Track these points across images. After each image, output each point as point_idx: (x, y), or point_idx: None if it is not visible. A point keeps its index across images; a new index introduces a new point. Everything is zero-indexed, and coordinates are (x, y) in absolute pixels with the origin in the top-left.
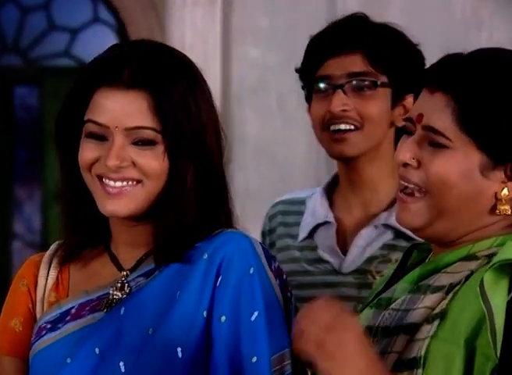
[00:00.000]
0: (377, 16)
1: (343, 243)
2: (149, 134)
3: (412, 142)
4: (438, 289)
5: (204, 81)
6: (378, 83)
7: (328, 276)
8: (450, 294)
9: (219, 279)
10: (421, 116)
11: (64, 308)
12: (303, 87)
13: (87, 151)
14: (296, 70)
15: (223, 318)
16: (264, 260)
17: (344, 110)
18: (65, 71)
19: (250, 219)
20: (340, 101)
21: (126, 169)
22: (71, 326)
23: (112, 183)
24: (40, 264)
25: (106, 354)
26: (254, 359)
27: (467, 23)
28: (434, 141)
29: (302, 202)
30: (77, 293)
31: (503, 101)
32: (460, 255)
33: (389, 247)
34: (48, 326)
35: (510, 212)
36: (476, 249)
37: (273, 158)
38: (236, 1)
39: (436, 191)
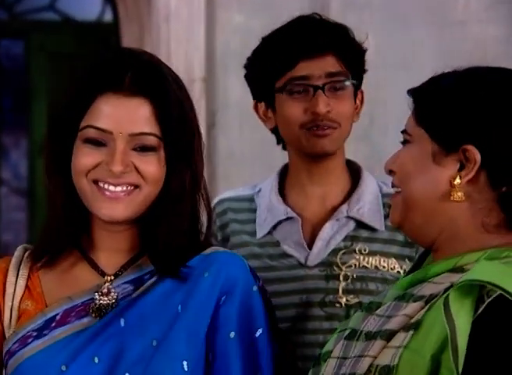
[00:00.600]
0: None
1: (306, 237)
2: (151, 140)
3: (396, 153)
4: (419, 298)
5: (189, 94)
6: (350, 82)
7: (294, 271)
8: (428, 305)
9: (223, 298)
10: (408, 134)
11: (49, 316)
12: (254, 86)
13: (86, 157)
14: (251, 68)
15: (232, 334)
16: (256, 276)
17: (328, 111)
18: (50, 25)
19: (232, 181)
20: (325, 103)
21: (127, 175)
22: (58, 333)
23: (111, 187)
24: (6, 271)
25: (108, 364)
26: (259, 373)
27: None
28: (403, 140)
29: (250, 199)
30: (59, 299)
31: (449, 95)
32: (448, 266)
33: (351, 238)
34: (34, 334)
35: (463, 198)
36: (464, 262)
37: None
38: None
39: (402, 184)
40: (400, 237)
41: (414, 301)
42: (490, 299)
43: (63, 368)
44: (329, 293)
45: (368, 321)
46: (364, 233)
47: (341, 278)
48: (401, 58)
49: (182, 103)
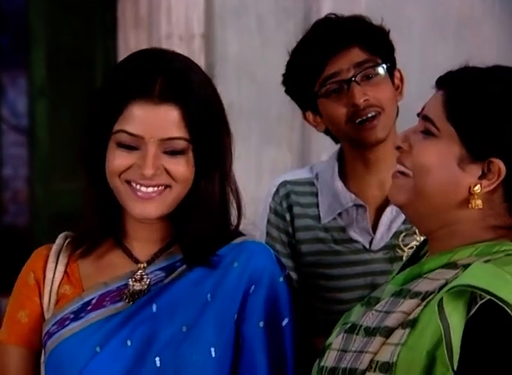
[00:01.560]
0: None
1: (369, 222)
2: (180, 144)
3: (410, 130)
4: (416, 295)
5: (218, 94)
6: (380, 67)
7: (360, 255)
8: (425, 302)
9: (252, 287)
10: (423, 108)
11: (86, 299)
12: (296, 98)
13: (120, 160)
14: (288, 83)
15: (261, 323)
16: (283, 265)
17: (366, 100)
18: None
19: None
20: (361, 93)
21: (158, 177)
22: (94, 316)
23: (143, 188)
24: (47, 257)
25: (140, 348)
26: (282, 364)
27: None
28: (425, 129)
29: (311, 183)
30: (96, 284)
31: (489, 102)
32: (442, 261)
33: None
34: (71, 316)
35: (482, 207)
36: (456, 257)
37: (253, 76)
38: None
39: (417, 172)
40: None
41: (411, 298)
42: (482, 302)
43: (97, 349)
44: None
45: (367, 316)
46: None
47: (404, 259)
48: None
49: (209, 105)
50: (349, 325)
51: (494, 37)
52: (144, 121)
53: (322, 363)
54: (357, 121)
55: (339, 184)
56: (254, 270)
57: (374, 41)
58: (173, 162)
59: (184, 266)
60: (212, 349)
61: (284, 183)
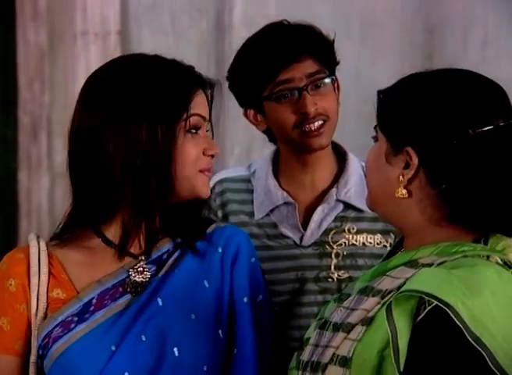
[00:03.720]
0: None
1: (300, 219)
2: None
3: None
4: (378, 293)
5: None
6: (329, 79)
7: (290, 250)
8: (383, 301)
9: (234, 267)
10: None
11: (85, 300)
12: (240, 96)
13: (199, 145)
14: (233, 80)
15: (245, 299)
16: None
17: (316, 109)
18: None
19: None
20: (312, 102)
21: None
22: (100, 316)
23: (206, 172)
24: (26, 261)
25: (155, 341)
26: (263, 335)
27: None
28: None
29: (247, 180)
30: (90, 283)
31: (399, 98)
32: (404, 259)
33: (341, 218)
34: (75, 318)
35: (407, 196)
36: (419, 255)
37: None
38: None
39: (366, 176)
40: None
41: (373, 296)
42: (430, 307)
43: (113, 348)
44: (322, 269)
45: (336, 312)
46: (352, 214)
47: (333, 256)
48: None
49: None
50: (322, 321)
51: (396, 37)
52: (204, 104)
53: (301, 357)
54: (305, 128)
55: (272, 182)
56: (236, 253)
57: (325, 53)
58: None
59: (173, 257)
60: (220, 331)
61: (221, 181)
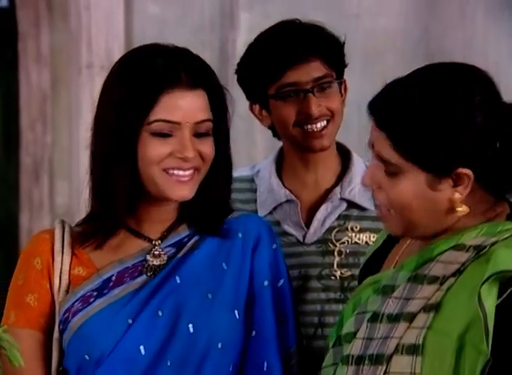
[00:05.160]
0: None
1: (303, 217)
2: (208, 126)
3: (372, 168)
4: (433, 280)
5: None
6: (336, 82)
7: (293, 247)
8: (444, 287)
9: (255, 253)
10: (372, 145)
11: (105, 277)
12: (247, 91)
13: (159, 148)
14: (241, 75)
15: (266, 283)
16: (274, 238)
17: (320, 110)
18: None
19: None
20: (317, 104)
21: (194, 159)
22: (118, 292)
23: (181, 172)
24: (52, 241)
25: (172, 316)
26: (283, 318)
27: None
28: (387, 170)
29: (251, 180)
30: (111, 262)
31: (427, 129)
32: (450, 244)
33: (344, 217)
34: (94, 293)
35: (469, 211)
36: (464, 239)
37: None
38: None
39: (399, 210)
40: None
41: (429, 283)
42: None
43: (129, 321)
44: (325, 267)
45: (388, 304)
46: (355, 212)
47: (336, 253)
48: None
49: (222, 90)
50: (370, 314)
51: (397, 68)
52: (178, 108)
53: (348, 352)
54: (307, 128)
55: (275, 181)
56: (256, 238)
57: (333, 55)
58: (203, 144)
59: (193, 240)
60: (236, 312)
61: None
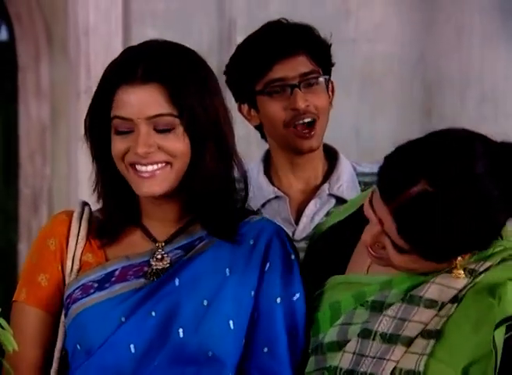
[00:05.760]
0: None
1: (292, 214)
2: (168, 120)
3: (375, 231)
4: (430, 304)
5: (211, 71)
6: (322, 78)
7: None
8: (443, 312)
9: (267, 264)
10: (382, 224)
11: (109, 270)
12: (235, 90)
13: (118, 145)
14: (229, 74)
15: (278, 299)
16: (294, 245)
17: (307, 105)
18: None
19: None
20: (303, 98)
21: (153, 154)
22: (118, 288)
23: (143, 168)
24: (69, 223)
25: (164, 319)
26: (295, 332)
27: (337, 15)
28: (395, 246)
29: (239, 181)
30: (118, 257)
31: (431, 225)
32: (443, 267)
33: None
34: (95, 285)
35: (463, 276)
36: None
37: None
38: None
39: (405, 269)
40: None
41: (426, 307)
42: None
43: (122, 319)
44: None
45: (381, 322)
46: None
47: None
48: None
49: (195, 80)
50: (357, 327)
51: (394, 94)
52: (130, 104)
53: (335, 364)
54: (295, 125)
55: (264, 180)
56: (269, 248)
57: (320, 52)
58: (165, 139)
59: (202, 244)
60: (231, 322)
61: None
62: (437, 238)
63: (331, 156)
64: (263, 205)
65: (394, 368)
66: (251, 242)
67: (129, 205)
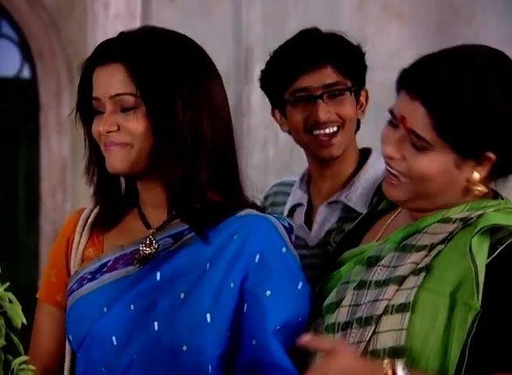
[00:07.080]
0: None
1: (312, 221)
2: (128, 99)
3: (397, 140)
4: (421, 248)
5: (203, 62)
6: (349, 89)
7: (300, 250)
8: (433, 252)
9: (256, 258)
10: (404, 119)
11: (103, 261)
12: (268, 96)
13: (95, 126)
14: (263, 81)
15: (268, 292)
16: (286, 237)
17: (328, 117)
18: None
19: None
20: (325, 110)
21: (115, 134)
22: (107, 277)
23: (111, 147)
24: (78, 221)
25: (141, 313)
26: (300, 319)
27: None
28: (416, 144)
29: (291, 184)
30: (113, 248)
31: (469, 113)
32: (436, 218)
33: (342, 219)
34: (89, 276)
35: (487, 191)
36: (450, 214)
37: None
38: (153, 14)
39: (418, 181)
40: None
41: (417, 251)
42: (508, 242)
43: (104, 309)
44: (323, 270)
45: (376, 272)
46: (353, 215)
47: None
48: None
49: (163, 63)
50: (356, 283)
51: None
52: (98, 83)
53: (333, 320)
54: (316, 134)
55: (298, 185)
56: (255, 243)
57: (347, 62)
58: (127, 119)
59: (190, 235)
60: (208, 315)
61: (274, 185)
62: (470, 124)
63: (362, 160)
64: (293, 211)
65: (386, 305)
66: (235, 237)
67: (127, 191)
